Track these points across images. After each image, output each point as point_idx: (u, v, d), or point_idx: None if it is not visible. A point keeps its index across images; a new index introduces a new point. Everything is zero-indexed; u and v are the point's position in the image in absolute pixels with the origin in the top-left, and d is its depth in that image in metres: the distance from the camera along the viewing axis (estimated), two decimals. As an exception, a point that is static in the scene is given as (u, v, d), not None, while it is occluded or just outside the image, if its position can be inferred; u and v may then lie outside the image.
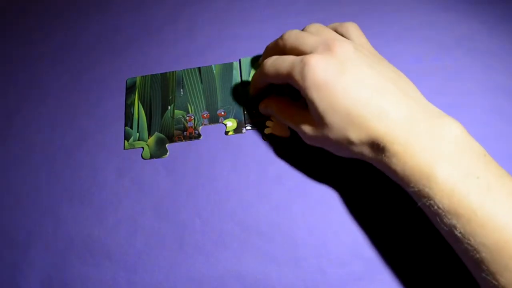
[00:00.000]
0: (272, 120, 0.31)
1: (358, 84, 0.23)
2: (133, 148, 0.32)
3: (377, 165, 0.24)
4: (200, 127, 0.32)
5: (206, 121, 0.32)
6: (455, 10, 0.35)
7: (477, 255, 0.20)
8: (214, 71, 0.34)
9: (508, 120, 0.30)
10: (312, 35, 0.26)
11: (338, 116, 0.23)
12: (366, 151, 0.24)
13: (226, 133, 0.32)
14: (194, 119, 0.33)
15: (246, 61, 0.34)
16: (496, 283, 0.19)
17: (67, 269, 0.29)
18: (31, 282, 0.29)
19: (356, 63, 0.24)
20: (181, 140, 0.32)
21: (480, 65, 0.32)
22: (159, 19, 0.38)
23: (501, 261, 0.19)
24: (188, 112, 0.33)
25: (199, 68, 0.35)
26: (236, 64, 0.34)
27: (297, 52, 0.26)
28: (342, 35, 0.28)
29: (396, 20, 0.35)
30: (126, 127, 0.33)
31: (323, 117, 0.24)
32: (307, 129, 0.26)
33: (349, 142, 0.24)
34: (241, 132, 0.32)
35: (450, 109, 0.30)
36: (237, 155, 0.31)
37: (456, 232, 0.20)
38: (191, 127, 0.32)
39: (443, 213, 0.20)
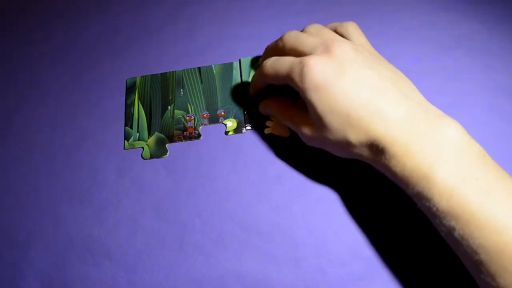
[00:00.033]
0: (272, 120, 0.31)
1: (357, 85, 0.23)
2: (133, 148, 0.32)
3: (376, 166, 0.24)
4: (200, 127, 0.32)
5: (206, 121, 0.32)
6: (455, 10, 0.35)
7: (476, 257, 0.20)
8: (214, 71, 0.34)
9: (508, 120, 0.30)
10: (311, 36, 0.26)
11: (337, 118, 0.23)
12: (365, 153, 0.24)
13: (226, 133, 0.32)
14: (194, 119, 0.33)
15: (246, 61, 0.34)
16: (495, 285, 0.19)
17: (67, 269, 0.29)
18: (31, 282, 0.29)
19: (355, 64, 0.24)
20: (181, 140, 0.32)
21: (480, 65, 0.32)
22: (159, 19, 0.38)
23: (500, 263, 0.19)
24: (188, 112, 0.33)
25: (199, 68, 0.35)
26: (236, 64, 0.34)
27: (297, 53, 0.26)
28: (341, 35, 0.28)
29: (396, 20, 0.35)
30: (126, 127, 0.33)
31: (322, 119, 0.24)
32: (306, 130, 0.26)
33: (348, 144, 0.24)
34: (241, 132, 0.32)
35: (450, 109, 0.30)
36: (237, 155, 0.31)
37: (455, 234, 0.20)
38: (191, 127, 0.32)
39: (442, 215, 0.20)
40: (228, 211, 0.29)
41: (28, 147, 0.34)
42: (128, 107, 0.34)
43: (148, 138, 0.32)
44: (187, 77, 0.34)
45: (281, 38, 0.28)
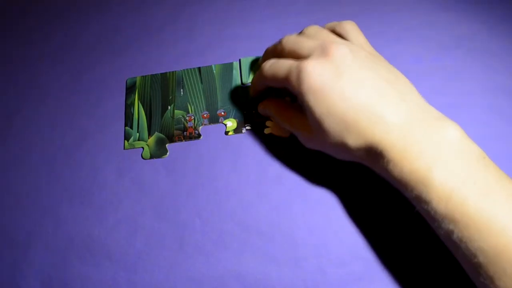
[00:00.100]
0: (272, 120, 0.31)
1: (355, 89, 0.23)
2: (133, 148, 0.32)
3: (375, 169, 0.24)
4: (200, 127, 0.32)
5: (206, 121, 0.32)
6: (455, 10, 0.35)
7: (475, 260, 0.20)
8: (214, 71, 0.34)
9: (508, 120, 0.30)
10: (309, 39, 0.26)
11: (335, 122, 0.23)
12: (364, 156, 0.24)
13: (226, 133, 0.32)
14: (194, 119, 0.33)
15: (246, 61, 0.34)
16: (494, 287, 0.19)
17: (67, 269, 0.29)
18: (31, 282, 0.29)
19: (352, 67, 0.24)
20: (181, 140, 0.32)
21: (480, 65, 0.32)
22: (159, 19, 0.38)
23: (499, 266, 0.19)
24: (188, 112, 0.33)
25: (199, 68, 0.35)
26: (236, 64, 0.34)
27: (295, 56, 0.26)
28: (340, 34, 0.27)
29: (396, 20, 0.35)
30: (126, 127, 0.33)
31: (320, 123, 0.24)
32: (304, 133, 0.26)
33: (346, 147, 0.24)
34: (241, 132, 0.32)
35: (450, 109, 0.30)
36: (237, 155, 0.31)
37: (454, 237, 0.20)
38: (191, 127, 0.32)
39: (440, 218, 0.20)
40: (228, 211, 0.29)
41: (28, 147, 0.34)
42: (128, 107, 0.34)
43: (148, 138, 0.32)
44: (187, 77, 0.34)
45: (280, 42, 0.28)
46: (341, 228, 0.28)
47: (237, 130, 0.32)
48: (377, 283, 0.26)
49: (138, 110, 0.34)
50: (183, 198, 0.30)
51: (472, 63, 0.32)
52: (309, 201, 0.29)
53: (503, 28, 0.33)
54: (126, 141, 0.33)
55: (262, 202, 0.29)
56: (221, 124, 0.32)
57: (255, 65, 0.34)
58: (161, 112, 0.33)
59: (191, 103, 0.33)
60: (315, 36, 0.27)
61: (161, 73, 0.35)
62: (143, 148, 0.32)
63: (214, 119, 0.32)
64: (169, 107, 0.33)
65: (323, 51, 0.24)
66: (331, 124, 0.23)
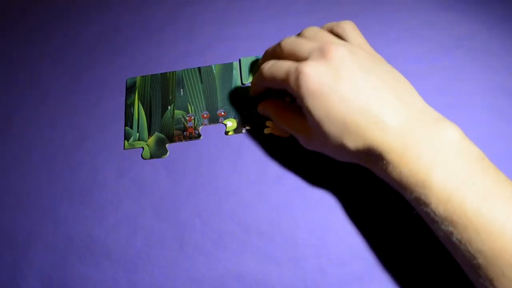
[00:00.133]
0: (272, 120, 0.31)
1: (354, 91, 0.23)
2: (133, 148, 0.32)
3: (375, 171, 0.24)
4: (200, 127, 0.32)
5: (206, 121, 0.32)
6: (455, 10, 0.35)
7: (474, 261, 0.20)
8: (214, 71, 0.34)
9: (508, 120, 0.30)
10: (308, 41, 0.26)
11: (334, 125, 0.23)
12: (363, 158, 0.24)
13: (226, 133, 0.32)
14: (194, 119, 0.33)
15: (246, 61, 0.34)
16: None
17: (67, 269, 0.29)
18: (31, 282, 0.29)
19: (351, 69, 0.23)
20: (181, 140, 0.32)
21: (480, 65, 0.32)
22: (159, 19, 0.38)
23: (497, 268, 0.19)
24: (188, 112, 0.33)
25: (199, 68, 0.35)
26: (236, 64, 0.34)
27: (294, 58, 0.26)
28: (338, 35, 0.27)
29: (396, 20, 0.35)
30: (126, 127, 0.33)
31: (319, 126, 0.24)
32: (304, 135, 0.27)
33: (346, 150, 0.24)
34: (241, 132, 0.32)
35: (450, 109, 0.30)
36: (237, 155, 0.31)
37: (453, 239, 0.20)
38: (191, 127, 0.32)
39: (440, 220, 0.20)
40: (228, 211, 0.29)
41: (28, 147, 0.34)
42: (128, 107, 0.34)
43: (148, 138, 0.32)
44: (187, 77, 0.34)
45: (279, 44, 0.28)
46: (341, 228, 0.28)
47: (237, 130, 0.32)
48: (377, 283, 0.26)
49: (138, 110, 0.34)
50: (183, 198, 0.30)
51: (472, 63, 0.32)
52: (309, 201, 0.29)
53: (503, 28, 0.33)
54: (126, 141, 0.33)
55: (262, 202, 0.29)
56: (221, 124, 0.32)
57: (255, 66, 0.34)
58: (161, 112, 0.33)
59: (191, 103, 0.33)
60: (313, 37, 0.27)
61: (161, 73, 0.35)
62: (143, 148, 0.32)
63: (214, 119, 0.32)
64: (169, 107, 0.33)
65: (322, 53, 0.24)
66: (331, 127, 0.23)
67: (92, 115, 0.34)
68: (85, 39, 0.38)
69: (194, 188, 0.30)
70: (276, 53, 0.28)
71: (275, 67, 0.26)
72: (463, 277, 0.23)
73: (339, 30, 0.27)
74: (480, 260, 0.19)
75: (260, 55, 0.34)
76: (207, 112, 0.33)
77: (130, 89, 0.35)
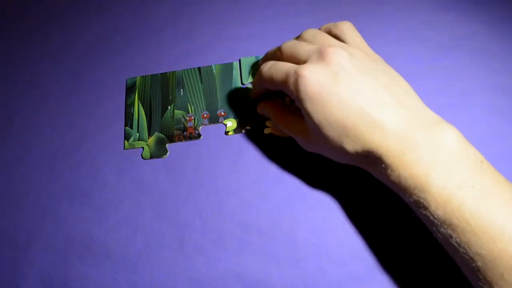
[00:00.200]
0: (272, 120, 0.31)
1: (353, 95, 0.23)
2: (133, 148, 0.32)
3: (374, 174, 0.24)
4: (200, 127, 0.32)
5: (206, 121, 0.32)
6: (455, 10, 0.35)
7: (473, 264, 0.20)
8: (214, 71, 0.34)
9: (508, 120, 0.30)
10: (307, 44, 0.26)
11: (333, 128, 0.23)
12: (362, 161, 0.24)
13: (226, 133, 0.32)
14: (194, 119, 0.33)
15: (246, 61, 0.34)
16: None
17: (67, 269, 0.29)
18: (31, 282, 0.29)
19: (350, 71, 0.23)
20: (181, 140, 0.32)
21: (480, 65, 0.32)
22: (159, 19, 0.38)
23: (496, 270, 0.19)
24: (188, 112, 0.33)
25: (199, 68, 0.35)
26: (236, 64, 0.34)
27: (294, 61, 0.26)
28: (336, 36, 0.27)
29: (396, 20, 0.35)
30: (126, 127, 0.33)
31: (318, 129, 0.24)
32: (303, 137, 0.27)
33: (345, 153, 0.24)
34: (241, 132, 0.32)
35: (450, 109, 0.30)
36: (237, 155, 0.31)
37: (452, 242, 0.20)
38: (191, 127, 0.32)
39: (439, 223, 0.20)
40: (228, 211, 0.29)
41: (28, 147, 0.34)
42: (128, 107, 0.34)
43: (148, 138, 0.32)
44: (187, 77, 0.34)
45: (279, 48, 0.28)
46: (342, 228, 0.28)
47: (237, 130, 0.32)
48: (377, 283, 0.26)
49: (138, 110, 0.34)
50: (183, 198, 0.30)
51: (472, 63, 0.32)
52: (309, 201, 0.29)
53: (503, 28, 0.33)
54: (126, 141, 0.33)
55: (262, 202, 0.29)
56: (221, 124, 0.32)
57: (255, 66, 0.34)
58: (161, 112, 0.33)
59: (191, 103, 0.33)
60: (312, 40, 0.27)
61: (161, 73, 0.35)
62: (143, 148, 0.32)
63: (214, 119, 0.32)
64: (169, 107, 0.33)
65: (320, 56, 0.24)
66: (330, 130, 0.23)
67: (92, 115, 0.34)
68: (85, 39, 0.38)
69: (194, 188, 0.30)
70: (276, 56, 0.28)
71: (274, 68, 0.26)
72: (462, 278, 0.23)
73: (337, 31, 0.27)
74: (479, 263, 0.19)
75: (260, 55, 0.34)
76: (207, 112, 0.33)
77: (130, 89, 0.35)
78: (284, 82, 0.25)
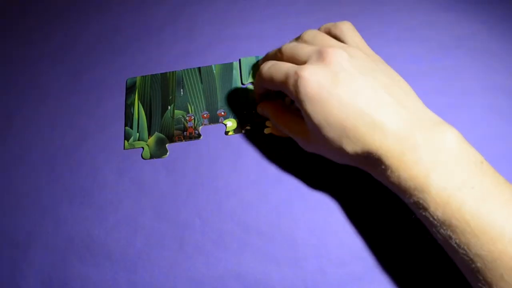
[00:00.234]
0: (272, 120, 0.31)
1: (352, 96, 0.23)
2: (133, 148, 0.32)
3: (374, 175, 0.24)
4: (200, 127, 0.32)
5: (206, 121, 0.32)
6: (455, 10, 0.35)
7: (473, 265, 0.20)
8: (214, 71, 0.34)
9: (508, 120, 0.30)
10: (307, 45, 0.26)
11: (333, 129, 0.23)
12: (362, 162, 0.24)
13: (226, 133, 0.32)
14: (194, 119, 0.33)
15: (246, 61, 0.34)
16: None
17: (67, 269, 0.29)
18: (31, 282, 0.29)
19: (349, 72, 0.23)
20: (181, 140, 0.32)
21: (480, 65, 0.32)
22: (159, 19, 0.38)
23: (496, 272, 0.19)
24: (188, 112, 0.33)
25: (199, 68, 0.35)
26: (236, 64, 0.34)
27: (294, 62, 0.26)
28: (335, 36, 0.27)
29: (396, 20, 0.35)
30: (126, 127, 0.33)
31: (318, 130, 0.24)
32: (302, 137, 0.27)
33: (345, 153, 0.24)
34: (241, 132, 0.32)
35: (450, 109, 0.30)
36: (237, 155, 0.31)
37: (452, 242, 0.20)
38: (191, 127, 0.32)
39: (438, 224, 0.20)
40: (228, 211, 0.29)
41: (28, 147, 0.34)
42: (128, 107, 0.34)
43: (148, 138, 0.32)
44: (187, 77, 0.34)
45: (279, 50, 0.28)
46: (341, 228, 0.28)
47: (237, 130, 0.32)
48: (377, 283, 0.26)
49: (138, 110, 0.34)
50: (183, 198, 0.30)
51: (472, 63, 0.32)
52: (309, 201, 0.29)
53: (503, 28, 0.33)
54: (126, 141, 0.33)
55: (262, 202, 0.29)
56: (221, 124, 0.32)
57: (255, 67, 0.34)
58: (161, 112, 0.33)
59: (191, 103, 0.33)
60: (312, 40, 0.27)
61: (161, 73, 0.35)
62: (143, 148, 0.32)
63: (214, 119, 0.32)
64: (169, 107, 0.33)
65: (320, 56, 0.24)
66: (330, 131, 0.23)
67: (92, 115, 0.34)
68: (85, 39, 0.38)
69: (194, 188, 0.30)
70: (276, 58, 0.28)
71: (274, 69, 0.26)
72: (462, 279, 0.23)
73: (336, 32, 0.27)
74: (479, 264, 0.19)
75: (260, 55, 0.34)
76: (207, 112, 0.33)
77: (130, 89, 0.35)
78: (284, 82, 0.25)
